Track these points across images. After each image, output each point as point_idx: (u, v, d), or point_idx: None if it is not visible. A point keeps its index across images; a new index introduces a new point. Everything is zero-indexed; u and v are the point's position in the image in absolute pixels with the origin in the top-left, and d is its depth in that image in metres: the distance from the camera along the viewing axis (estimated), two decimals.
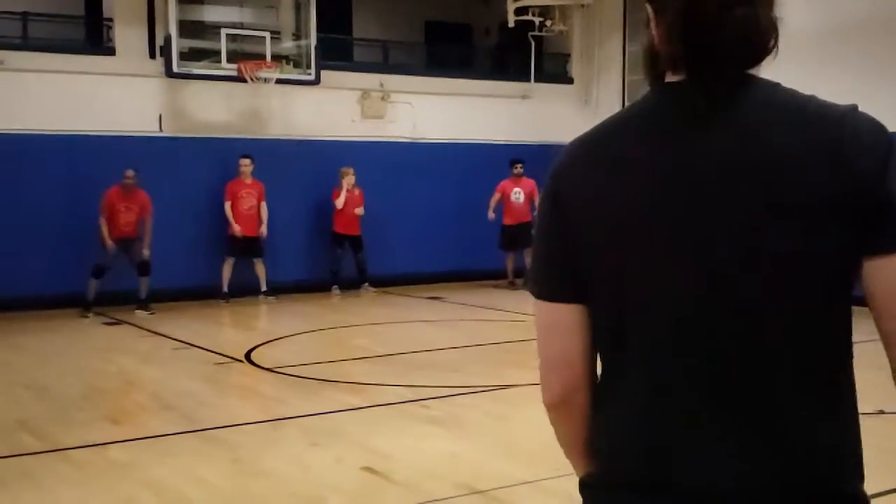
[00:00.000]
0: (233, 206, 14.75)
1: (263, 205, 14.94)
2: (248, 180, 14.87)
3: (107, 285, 13.73)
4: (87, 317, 13.40)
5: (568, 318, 1.85)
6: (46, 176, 13.87)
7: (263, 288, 15.01)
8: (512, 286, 16.26)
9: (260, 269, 15.03)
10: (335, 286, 15.65)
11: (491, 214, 16.27)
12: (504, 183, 16.42)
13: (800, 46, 14.70)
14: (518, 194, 16.36)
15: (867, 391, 7.63)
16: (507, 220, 16.38)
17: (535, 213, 1.63)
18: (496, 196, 16.36)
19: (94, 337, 12.17)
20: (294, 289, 15.39)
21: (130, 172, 13.61)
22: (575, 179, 1.79)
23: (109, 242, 13.44)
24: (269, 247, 15.06)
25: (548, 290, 1.88)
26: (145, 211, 13.77)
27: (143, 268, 13.77)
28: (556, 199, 1.80)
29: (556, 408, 1.92)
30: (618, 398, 1.79)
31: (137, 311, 13.63)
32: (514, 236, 16.22)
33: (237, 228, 14.66)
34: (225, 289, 14.79)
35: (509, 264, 16.61)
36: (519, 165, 16.44)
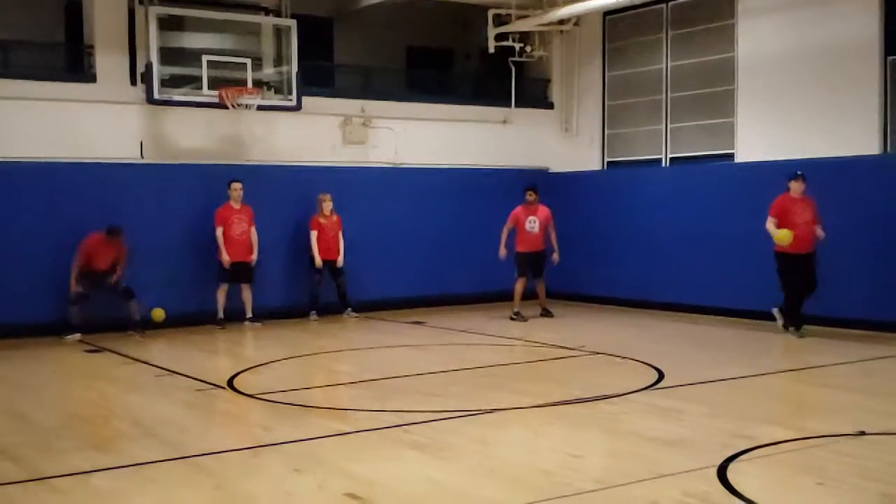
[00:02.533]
0: (224, 233, 14.74)
1: (253, 230, 14.96)
2: (238, 205, 14.87)
3: (86, 312, 13.72)
4: (63, 338, 13.45)
5: None
6: (26, 204, 13.80)
7: (249, 314, 14.99)
8: (519, 318, 15.34)
9: (247, 294, 15.01)
10: (313, 311, 15.61)
11: (502, 251, 15.47)
12: (517, 211, 15.68)
13: (771, 70, 14.91)
14: (533, 223, 15.59)
15: (848, 413, 7.71)
16: (521, 248, 15.63)
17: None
18: (508, 225, 15.62)
19: (74, 364, 12.09)
20: (277, 314, 15.35)
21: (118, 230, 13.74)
22: None
23: (74, 291, 13.61)
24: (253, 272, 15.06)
25: None
26: (121, 258, 13.87)
27: (128, 293, 13.82)
28: None
29: None
30: None
31: (131, 333, 13.79)
32: (528, 263, 15.64)
33: (226, 259, 14.65)
34: (220, 315, 14.79)
35: (519, 290, 15.60)
36: (531, 193, 15.66)
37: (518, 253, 15.70)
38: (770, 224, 12.90)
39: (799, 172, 13.03)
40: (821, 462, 6.79)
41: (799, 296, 13.05)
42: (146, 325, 13.96)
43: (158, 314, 13.97)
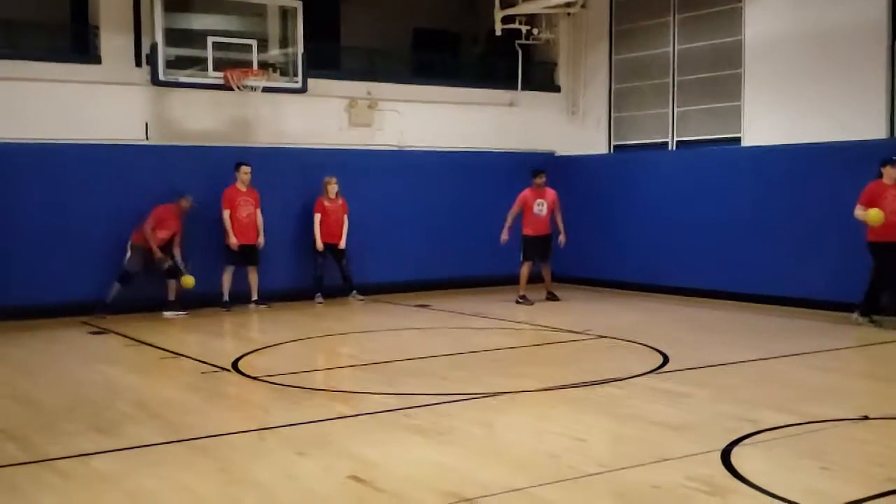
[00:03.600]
0: (231, 215, 14.75)
1: (259, 213, 14.95)
2: (245, 188, 14.87)
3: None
4: (104, 318, 13.66)
5: None
6: (31, 185, 13.81)
7: (254, 297, 15.00)
8: (525, 301, 15.32)
9: (253, 277, 15.03)
10: (318, 294, 15.61)
11: (505, 235, 15.36)
12: (525, 193, 15.57)
13: (779, 54, 14.84)
14: (541, 206, 15.53)
15: (852, 397, 7.71)
16: (528, 231, 15.57)
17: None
18: (516, 208, 15.52)
19: (79, 346, 12.09)
20: (282, 297, 15.36)
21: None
22: None
23: (125, 270, 14.02)
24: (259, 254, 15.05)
25: None
26: (179, 231, 14.46)
27: (171, 272, 14.25)
28: None
29: None
30: None
31: (166, 313, 14.19)
32: (535, 247, 15.63)
33: (234, 241, 14.66)
34: (226, 297, 14.84)
35: (524, 274, 15.64)
36: (540, 175, 15.59)
37: (525, 236, 15.66)
38: (859, 211, 12.20)
39: (894, 157, 12.35)
40: (825, 446, 6.78)
41: (888, 286, 12.46)
42: (182, 305, 14.32)
43: (189, 281, 14.21)
